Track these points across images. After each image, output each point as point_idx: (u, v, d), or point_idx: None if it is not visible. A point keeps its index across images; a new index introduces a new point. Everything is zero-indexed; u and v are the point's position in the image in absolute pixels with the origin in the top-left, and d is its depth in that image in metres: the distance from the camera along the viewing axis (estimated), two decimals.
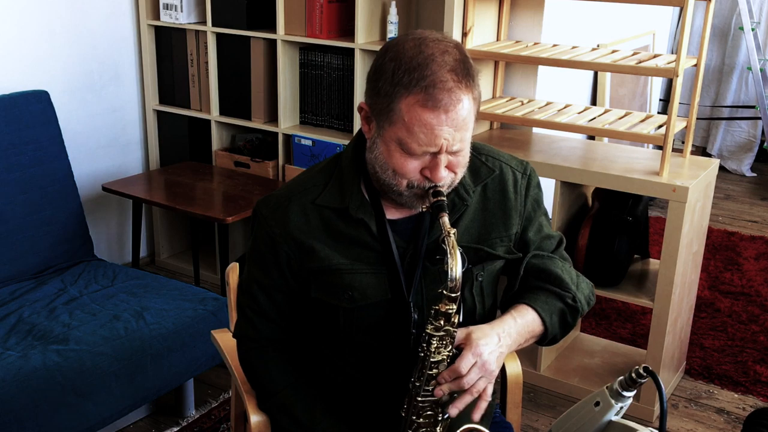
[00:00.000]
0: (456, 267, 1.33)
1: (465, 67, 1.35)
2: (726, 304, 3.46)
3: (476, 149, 1.54)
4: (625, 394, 1.41)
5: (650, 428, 1.41)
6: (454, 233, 1.34)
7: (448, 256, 1.33)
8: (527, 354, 2.88)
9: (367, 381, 1.51)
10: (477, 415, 1.38)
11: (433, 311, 1.36)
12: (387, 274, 1.45)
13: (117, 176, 3.46)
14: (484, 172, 1.53)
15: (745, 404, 2.81)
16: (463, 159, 1.41)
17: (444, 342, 1.36)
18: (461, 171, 1.42)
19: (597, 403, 1.43)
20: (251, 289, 1.54)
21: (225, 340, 1.81)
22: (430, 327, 1.36)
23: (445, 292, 1.34)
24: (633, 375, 1.38)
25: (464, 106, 1.34)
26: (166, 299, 2.54)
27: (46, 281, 2.65)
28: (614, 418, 1.43)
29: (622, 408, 1.43)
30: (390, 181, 1.40)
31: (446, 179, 1.39)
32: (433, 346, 1.36)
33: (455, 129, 1.34)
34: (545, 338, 1.51)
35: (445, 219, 1.36)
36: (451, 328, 1.36)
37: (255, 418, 1.60)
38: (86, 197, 3.31)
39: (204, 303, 2.54)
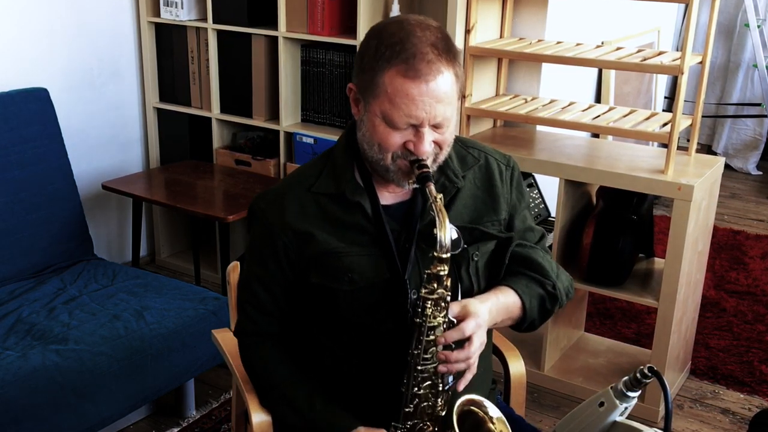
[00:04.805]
0: (445, 230, 1.35)
1: (446, 45, 1.40)
2: (731, 303, 3.44)
3: (461, 141, 1.61)
4: (630, 394, 1.40)
5: (655, 429, 1.41)
6: (440, 198, 1.38)
7: (437, 219, 1.36)
8: (531, 354, 2.87)
9: (368, 368, 1.51)
10: (462, 385, 1.41)
11: (425, 275, 1.39)
12: (383, 255, 1.47)
13: (117, 175, 3.45)
14: (470, 161, 1.58)
15: (751, 405, 2.79)
16: (449, 136, 1.45)
17: (438, 307, 1.39)
18: (447, 149, 1.46)
19: (601, 404, 1.43)
20: (250, 284, 1.57)
21: (226, 339, 1.80)
22: (423, 291, 1.39)
23: (435, 254, 1.37)
24: (638, 375, 1.38)
25: (445, 79, 1.37)
26: (166, 299, 2.53)
27: (46, 280, 2.64)
28: (619, 419, 1.42)
29: (626, 408, 1.42)
30: (376, 156, 1.44)
31: (430, 154, 1.43)
32: (428, 310, 1.38)
33: (436, 101, 1.37)
34: (524, 322, 1.55)
35: (432, 187, 1.39)
36: (444, 291, 1.38)
37: (257, 418, 1.59)
38: (86, 196, 3.29)
39: (205, 302, 2.53)
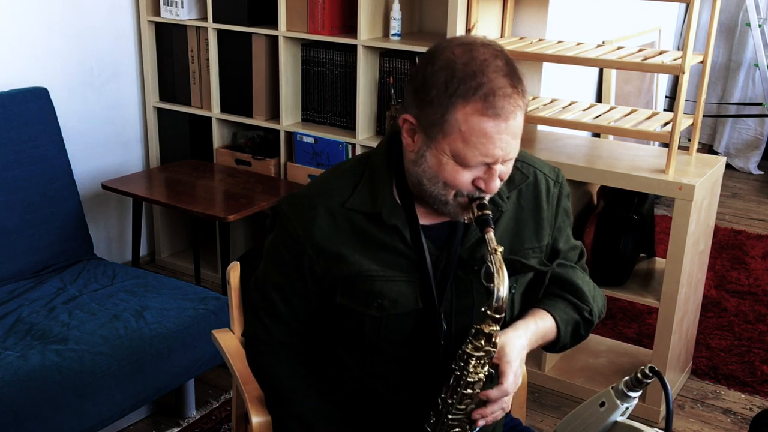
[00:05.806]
0: (503, 286, 1.29)
1: (515, 71, 1.30)
2: (733, 303, 3.43)
3: None
4: (631, 394, 1.40)
5: (656, 429, 1.40)
6: (501, 251, 1.30)
7: (495, 274, 1.29)
8: (532, 354, 2.84)
9: (390, 392, 1.46)
10: (491, 421, 1.39)
11: (474, 330, 1.33)
12: (418, 283, 1.40)
13: (117, 174, 3.44)
14: (518, 179, 1.48)
15: (752, 405, 2.78)
16: (511, 168, 1.37)
17: (481, 362, 1.33)
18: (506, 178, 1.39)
19: (602, 404, 1.42)
20: (266, 290, 1.48)
21: (226, 339, 1.78)
22: (469, 347, 1.33)
23: (489, 312, 1.30)
24: (639, 375, 1.37)
25: (522, 113, 1.30)
26: (166, 298, 2.52)
27: (45, 280, 2.63)
28: (620, 419, 1.42)
29: (627, 408, 1.42)
30: (438, 193, 1.34)
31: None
32: (470, 365, 1.33)
33: (512, 137, 1.29)
34: (554, 346, 1.52)
35: (491, 235, 1.31)
36: (491, 349, 1.33)
37: (256, 419, 1.58)
38: (86, 195, 3.29)
39: (205, 302, 2.52)
